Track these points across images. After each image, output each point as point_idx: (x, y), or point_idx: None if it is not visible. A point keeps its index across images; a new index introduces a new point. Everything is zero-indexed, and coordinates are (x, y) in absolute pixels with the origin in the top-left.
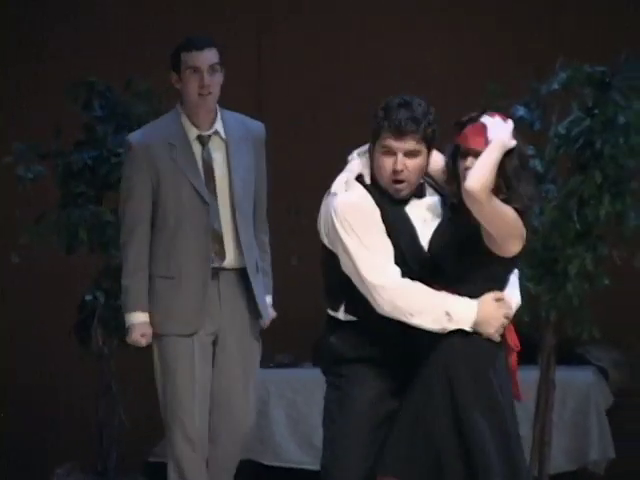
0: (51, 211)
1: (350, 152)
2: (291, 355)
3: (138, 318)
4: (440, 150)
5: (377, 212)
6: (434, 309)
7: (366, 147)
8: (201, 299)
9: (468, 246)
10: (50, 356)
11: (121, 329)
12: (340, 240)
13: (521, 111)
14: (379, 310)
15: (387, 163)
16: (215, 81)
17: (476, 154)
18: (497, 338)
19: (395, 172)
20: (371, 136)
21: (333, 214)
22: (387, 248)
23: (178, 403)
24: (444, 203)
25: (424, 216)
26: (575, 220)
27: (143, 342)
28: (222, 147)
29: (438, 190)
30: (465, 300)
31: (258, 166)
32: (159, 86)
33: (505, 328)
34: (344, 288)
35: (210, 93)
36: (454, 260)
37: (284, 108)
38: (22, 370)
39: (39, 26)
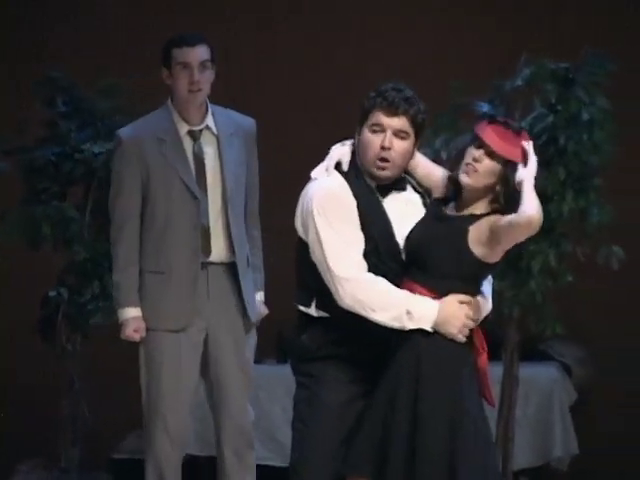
0: (15, 207)
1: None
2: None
3: (131, 313)
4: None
5: (354, 203)
6: (395, 306)
7: (349, 141)
8: (191, 295)
9: (451, 244)
10: (13, 353)
11: (85, 325)
12: (313, 225)
13: (485, 108)
14: (340, 302)
15: (375, 140)
16: (205, 78)
17: (490, 153)
18: (460, 339)
19: (383, 149)
20: (359, 118)
21: (311, 198)
22: (358, 241)
23: (162, 399)
24: (424, 202)
25: (402, 210)
26: None
27: (137, 337)
28: (214, 142)
29: (418, 190)
30: (427, 300)
31: (249, 161)
32: (161, 85)
33: (473, 330)
34: (316, 282)
35: (200, 90)
36: (435, 255)
37: (283, 108)
38: None
39: (39, 26)
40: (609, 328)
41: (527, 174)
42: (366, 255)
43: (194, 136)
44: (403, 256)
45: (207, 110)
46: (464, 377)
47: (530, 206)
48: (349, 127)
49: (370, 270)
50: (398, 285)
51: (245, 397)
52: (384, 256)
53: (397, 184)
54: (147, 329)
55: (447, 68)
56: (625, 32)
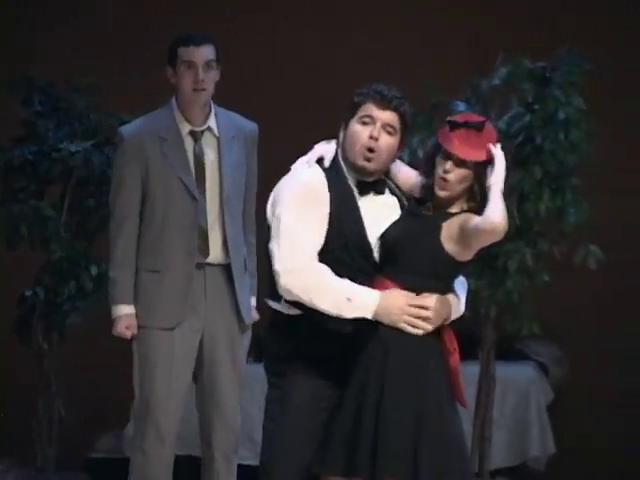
0: None
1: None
2: None
3: (124, 310)
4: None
5: (327, 198)
6: (335, 293)
7: (334, 140)
8: (184, 293)
9: (424, 241)
10: None
11: (61, 325)
12: (279, 208)
13: (462, 107)
14: (280, 291)
15: (364, 131)
16: (210, 77)
17: (458, 162)
18: (410, 330)
19: (371, 138)
20: (347, 113)
21: (285, 187)
22: (316, 240)
23: (154, 397)
24: (401, 205)
25: (377, 212)
26: (515, 216)
27: (128, 334)
28: (214, 144)
29: (396, 193)
30: (369, 289)
31: (249, 165)
32: (160, 85)
33: (443, 330)
34: None
35: (204, 89)
36: (408, 251)
37: (283, 108)
38: None
39: (39, 26)
40: (586, 328)
41: (495, 179)
42: (336, 251)
43: (195, 137)
44: (376, 256)
45: (210, 111)
46: (430, 370)
47: (495, 212)
48: None
49: (340, 267)
50: (369, 285)
51: (237, 398)
52: (354, 254)
53: (377, 186)
54: (141, 327)
55: (447, 68)
56: (625, 32)
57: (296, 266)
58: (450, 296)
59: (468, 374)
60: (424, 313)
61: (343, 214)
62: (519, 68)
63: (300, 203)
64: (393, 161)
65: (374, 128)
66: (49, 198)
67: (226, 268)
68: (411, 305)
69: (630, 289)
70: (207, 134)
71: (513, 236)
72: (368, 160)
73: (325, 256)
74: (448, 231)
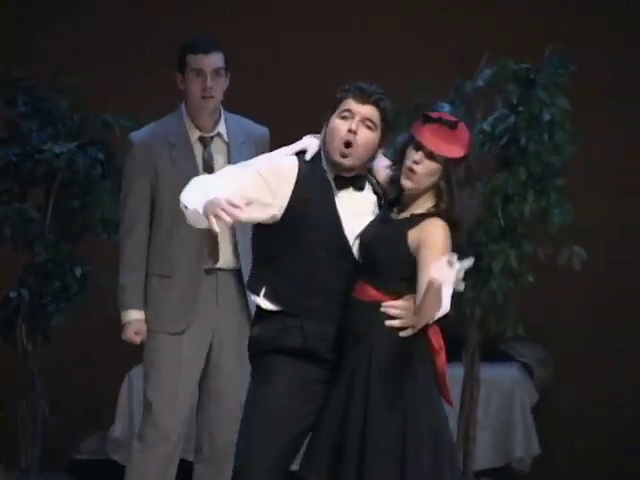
0: None
1: None
2: None
3: (133, 315)
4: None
5: (287, 184)
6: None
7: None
8: (192, 298)
9: (393, 248)
10: None
11: (46, 326)
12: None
13: (446, 108)
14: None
15: (343, 125)
16: (218, 85)
17: (428, 154)
18: (213, 225)
19: (349, 132)
20: (330, 108)
21: (264, 156)
22: (247, 188)
23: (159, 401)
24: (381, 203)
25: (355, 207)
26: (500, 216)
27: (137, 340)
28: (224, 149)
29: (377, 191)
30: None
31: None
32: (161, 85)
33: (429, 329)
34: (267, 268)
35: (212, 97)
36: (380, 258)
37: (283, 108)
38: None
39: (39, 26)
40: (570, 329)
41: (447, 277)
42: (312, 249)
43: (205, 142)
44: (356, 254)
45: (220, 117)
46: (419, 377)
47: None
48: None
49: (316, 265)
50: (351, 284)
51: (239, 409)
52: (331, 250)
53: (356, 181)
54: (150, 331)
55: (446, 68)
56: (625, 32)
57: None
58: None
59: (453, 375)
60: (392, 312)
61: (318, 210)
62: (503, 69)
63: (260, 162)
64: (373, 157)
65: (352, 122)
66: (33, 200)
67: (237, 273)
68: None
69: (617, 290)
70: (217, 140)
71: (498, 237)
72: (344, 156)
73: (300, 254)
74: (412, 240)
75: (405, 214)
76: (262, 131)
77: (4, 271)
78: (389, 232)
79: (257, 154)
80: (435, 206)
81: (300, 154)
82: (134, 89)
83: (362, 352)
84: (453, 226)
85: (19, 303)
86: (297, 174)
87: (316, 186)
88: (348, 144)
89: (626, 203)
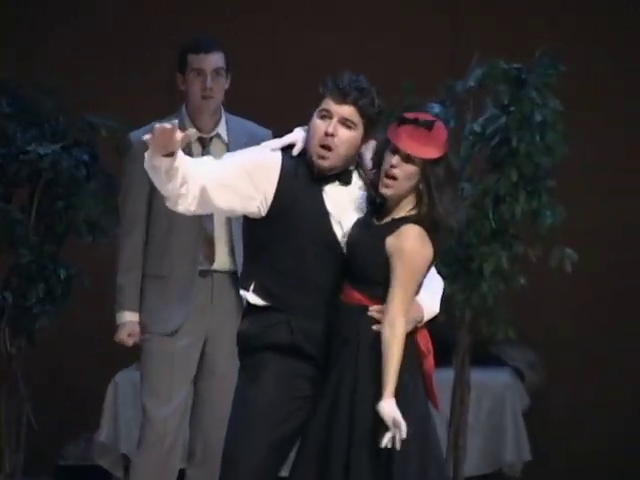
0: None
1: None
2: None
3: (127, 317)
4: None
5: (270, 180)
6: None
7: None
8: (185, 299)
9: (373, 253)
10: None
11: (30, 329)
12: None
13: (436, 108)
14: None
15: (321, 126)
16: (219, 85)
17: (405, 157)
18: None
19: (326, 134)
20: (317, 102)
21: (249, 149)
22: (232, 177)
23: (153, 403)
24: (371, 202)
25: (342, 202)
26: (491, 218)
27: (130, 342)
28: (223, 151)
29: (369, 189)
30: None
31: None
32: (161, 85)
33: (417, 332)
34: (256, 264)
35: (212, 97)
36: (362, 263)
37: (283, 108)
38: None
39: (39, 26)
40: (562, 332)
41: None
42: (301, 243)
43: (204, 143)
44: (344, 248)
45: (220, 118)
46: (406, 381)
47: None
48: None
49: (304, 259)
50: (340, 283)
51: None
52: (319, 244)
53: (342, 176)
54: (144, 333)
55: (397, 66)
56: (625, 32)
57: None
58: (421, 296)
59: (442, 380)
60: (378, 316)
61: (304, 201)
62: (494, 69)
63: (245, 154)
64: (356, 153)
65: (330, 123)
66: (17, 201)
67: (233, 275)
68: None
69: (610, 292)
70: (216, 141)
71: (488, 239)
72: (322, 158)
73: (287, 248)
74: (388, 247)
75: (387, 219)
76: (265, 133)
77: None
78: (370, 237)
79: None
80: (414, 209)
81: (287, 148)
82: (134, 89)
83: (349, 355)
84: (434, 229)
85: (3, 306)
86: (280, 170)
87: (302, 180)
88: (325, 147)
89: (622, 204)
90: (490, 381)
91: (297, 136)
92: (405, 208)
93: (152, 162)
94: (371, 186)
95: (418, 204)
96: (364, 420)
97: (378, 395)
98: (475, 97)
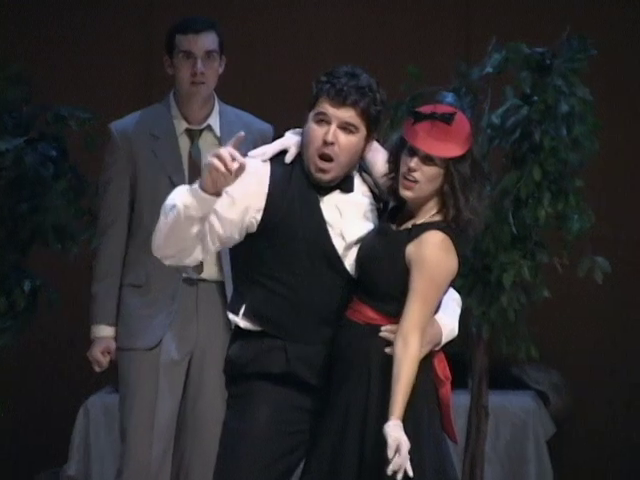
0: None
1: None
2: None
3: (102, 332)
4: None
5: (261, 193)
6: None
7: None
8: (168, 310)
9: (391, 264)
10: None
11: None
12: None
13: (449, 98)
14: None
15: (318, 133)
16: (211, 69)
17: (425, 159)
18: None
19: (325, 144)
20: (308, 106)
21: None
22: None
23: (134, 428)
24: (377, 207)
25: (343, 212)
26: (511, 222)
27: (104, 361)
28: (215, 145)
29: (376, 195)
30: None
31: None
32: (136, 73)
33: (434, 356)
34: (247, 286)
35: (203, 82)
36: (377, 275)
37: (282, 97)
38: None
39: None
40: (590, 351)
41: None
42: (297, 261)
43: (192, 136)
44: (348, 266)
45: (213, 108)
46: (421, 411)
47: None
48: None
49: (301, 278)
50: (343, 300)
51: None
52: (318, 262)
53: (343, 184)
54: (121, 348)
55: (405, 51)
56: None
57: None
58: (439, 316)
59: (457, 404)
60: (392, 337)
61: (300, 214)
62: (515, 54)
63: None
64: (359, 158)
65: (328, 130)
66: None
67: (220, 285)
68: None
69: None
70: (206, 134)
71: (508, 246)
72: (322, 171)
73: (282, 267)
74: (408, 255)
75: (407, 224)
76: (264, 128)
77: None
78: (387, 246)
79: None
80: (439, 213)
81: (279, 155)
82: (106, 77)
83: (358, 383)
84: (461, 235)
85: None
86: (269, 184)
87: (297, 191)
88: (325, 157)
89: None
90: (510, 406)
91: (289, 142)
92: (428, 212)
93: (202, 196)
94: (390, 192)
95: (442, 208)
96: (375, 456)
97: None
98: (493, 85)
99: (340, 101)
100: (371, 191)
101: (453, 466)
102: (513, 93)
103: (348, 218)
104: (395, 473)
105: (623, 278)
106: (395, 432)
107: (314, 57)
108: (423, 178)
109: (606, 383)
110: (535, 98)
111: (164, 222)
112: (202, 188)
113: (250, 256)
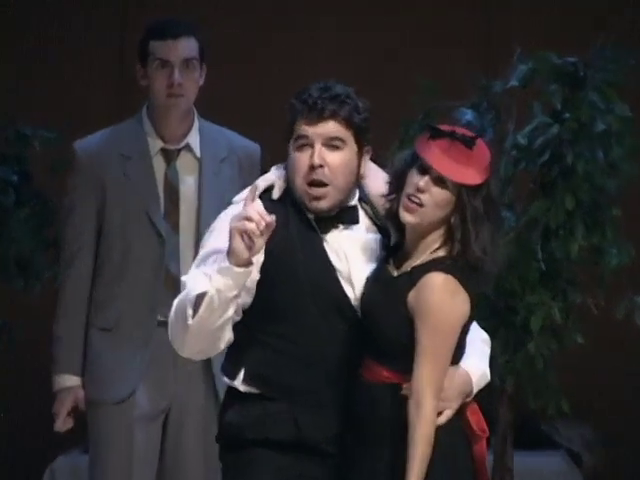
0: None
1: None
2: None
3: (67, 382)
4: None
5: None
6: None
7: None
8: (141, 359)
9: (394, 315)
10: None
11: None
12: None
13: (469, 115)
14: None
15: (302, 159)
16: (190, 80)
17: (438, 180)
18: (238, 245)
19: (312, 168)
20: (286, 133)
21: (219, 216)
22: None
23: None
24: (382, 240)
25: (350, 252)
26: (539, 258)
27: (69, 421)
28: (194, 167)
29: (379, 225)
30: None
31: None
32: (106, 87)
33: (467, 408)
34: (245, 346)
35: (181, 95)
36: (381, 328)
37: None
38: None
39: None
40: (629, 404)
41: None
42: (302, 311)
43: (169, 157)
44: (357, 310)
45: (192, 125)
46: (455, 463)
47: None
48: None
49: (307, 331)
50: (355, 356)
51: None
52: (327, 311)
53: (345, 216)
54: (90, 402)
55: (426, 64)
56: None
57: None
58: (466, 362)
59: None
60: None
61: (302, 257)
62: (544, 65)
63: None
64: (356, 179)
65: (313, 152)
66: None
67: None
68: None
69: None
70: (185, 154)
71: (536, 285)
72: (317, 199)
73: (285, 320)
74: (410, 304)
75: (406, 266)
76: (251, 147)
77: None
78: (387, 295)
79: (242, 177)
80: (442, 248)
81: (265, 193)
82: (73, 92)
83: (377, 449)
84: (468, 274)
85: None
86: (281, 224)
87: (295, 232)
88: (316, 183)
89: None
90: (538, 467)
91: (272, 177)
92: (429, 247)
93: (236, 272)
94: (388, 217)
95: (447, 242)
96: None
97: None
98: (518, 100)
99: (317, 115)
100: (375, 224)
101: None
102: (541, 109)
103: (355, 260)
104: None
105: None
106: None
107: (313, 65)
108: (430, 202)
109: None
110: (567, 115)
111: (194, 322)
112: (233, 263)
113: (249, 312)
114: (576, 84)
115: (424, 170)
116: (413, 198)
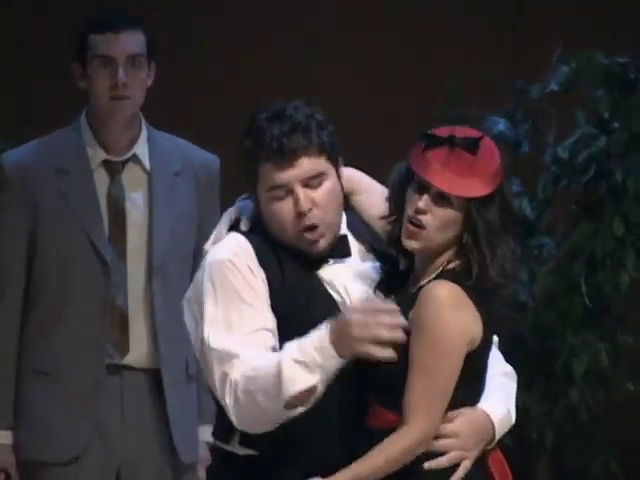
0: None
1: None
2: None
3: None
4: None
5: (258, 273)
6: (275, 362)
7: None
8: (88, 410)
9: (399, 344)
10: None
11: None
12: (200, 305)
13: (501, 125)
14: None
15: (286, 210)
16: (137, 80)
17: (439, 197)
18: (373, 352)
19: (301, 216)
20: (246, 174)
21: (203, 276)
22: (252, 321)
23: None
24: (381, 268)
25: (349, 286)
26: (583, 292)
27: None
28: (143, 182)
29: (377, 251)
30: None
31: (204, 214)
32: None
33: (490, 456)
34: None
35: (127, 97)
36: (387, 365)
37: None
38: None
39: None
40: None
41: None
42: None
43: (112, 170)
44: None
45: (139, 132)
46: None
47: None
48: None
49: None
50: (362, 406)
51: None
52: None
53: (337, 249)
54: (25, 462)
55: (452, 67)
56: None
57: (238, 373)
58: (484, 404)
59: None
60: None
61: (305, 302)
62: (588, 66)
63: (226, 289)
64: (342, 204)
65: (297, 199)
66: None
67: (154, 374)
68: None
69: None
70: (132, 167)
71: (579, 323)
72: (316, 242)
73: None
74: (411, 325)
75: (412, 289)
76: (208, 160)
77: None
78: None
79: (199, 193)
80: (453, 262)
81: (236, 228)
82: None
83: None
84: (482, 293)
85: None
86: (260, 265)
87: (292, 274)
88: (310, 229)
89: None
90: None
91: (237, 210)
92: (433, 270)
93: (339, 362)
94: (390, 243)
95: (460, 257)
96: None
97: None
98: (559, 108)
99: (288, 159)
100: (372, 248)
101: None
102: (585, 118)
103: (354, 293)
104: None
105: None
106: None
107: (313, 65)
108: (434, 224)
109: None
110: (615, 125)
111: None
112: (341, 355)
113: None
114: (626, 89)
115: (422, 188)
116: (414, 221)
